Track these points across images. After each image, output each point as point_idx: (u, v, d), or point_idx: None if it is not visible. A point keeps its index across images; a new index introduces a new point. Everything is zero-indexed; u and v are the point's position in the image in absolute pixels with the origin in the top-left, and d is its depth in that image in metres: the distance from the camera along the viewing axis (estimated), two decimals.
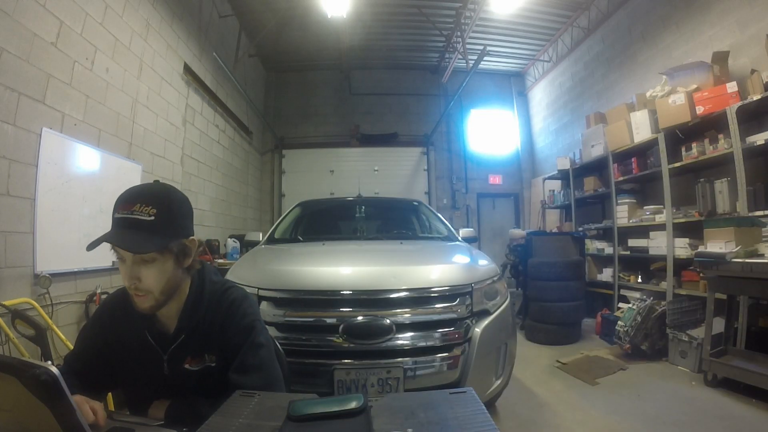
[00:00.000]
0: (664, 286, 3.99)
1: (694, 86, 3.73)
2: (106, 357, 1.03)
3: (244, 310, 1.06)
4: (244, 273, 2.12)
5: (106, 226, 0.92)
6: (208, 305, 1.04)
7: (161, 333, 1.02)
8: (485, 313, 2.04)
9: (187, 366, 1.01)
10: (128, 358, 1.03)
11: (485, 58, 5.82)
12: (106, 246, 0.89)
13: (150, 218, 0.89)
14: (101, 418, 0.82)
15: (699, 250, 3.13)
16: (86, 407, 0.81)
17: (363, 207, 3.58)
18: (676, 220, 3.91)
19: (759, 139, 3.10)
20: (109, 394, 1.41)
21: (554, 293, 4.17)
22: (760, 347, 2.82)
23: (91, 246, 0.87)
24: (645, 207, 4.48)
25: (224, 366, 1.01)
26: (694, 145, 3.71)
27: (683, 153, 3.81)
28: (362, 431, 0.66)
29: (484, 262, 2.33)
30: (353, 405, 0.72)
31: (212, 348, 1.03)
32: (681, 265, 3.82)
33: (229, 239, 4.92)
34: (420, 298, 1.92)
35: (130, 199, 0.91)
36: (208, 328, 1.03)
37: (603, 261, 5.10)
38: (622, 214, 4.69)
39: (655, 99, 4.09)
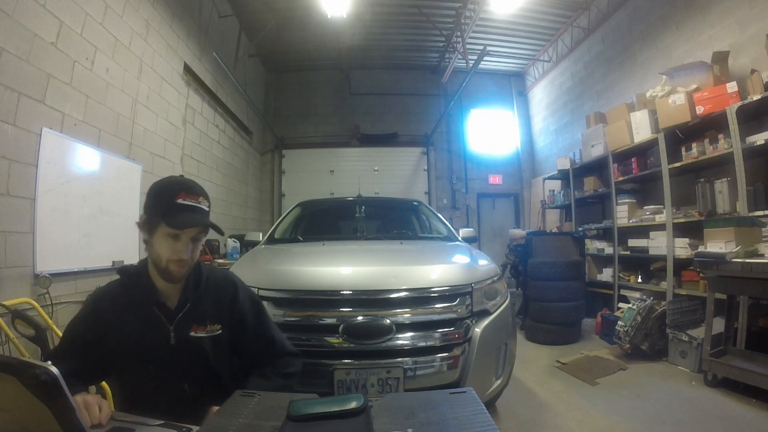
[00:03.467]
0: (664, 286, 3.99)
1: (694, 86, 3.72)
2: (99, 349, 1.07)
3: (246, 289, 1.30)
4: (244, 273, 2.08)
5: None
6: (208, 280, 1.20)
7: (166, 308, 1.13)
8: (485, 313, 2.04)
9: (193, 333, 1.13)
10: (130, 342, 1.07)
11: (485, 58, 5.82)
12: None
13: (208, 209, 1.16)
14: (105, 416, 0.87)
15: (699, 250, 3.13)
16: (95, 407, 0.86)
17: (363, 207, 3.56)
18: (676, 220, 3.90)
19: (759, 139, 3.10)
20: (109, 394, 1.41)
21: (554, 293, 4.17)
22: (760, 347, 2.82)
23: (183, 225, 1.06)
24: (645, 207, 4.47)
25: (228, 336, 1.18)
26: (694, 145, 3.71)
27: (683, 153, 3.81)
28: (362, 431, 0.66)
29: (484, 262, 2.32)
30: (353, 405, 0.72)
31: (216, 319, 1.17)
32: (681, 265, 3.82)
33: (229, 239, 4.92)
34: (420, 298, 1.91)
35: (192, 191, 1.12)
36: (211, 301, 1.18)
37: (603, 261, 5.10)
38: (622, 214, 4.69)
39: (655, 99, 4.09)
